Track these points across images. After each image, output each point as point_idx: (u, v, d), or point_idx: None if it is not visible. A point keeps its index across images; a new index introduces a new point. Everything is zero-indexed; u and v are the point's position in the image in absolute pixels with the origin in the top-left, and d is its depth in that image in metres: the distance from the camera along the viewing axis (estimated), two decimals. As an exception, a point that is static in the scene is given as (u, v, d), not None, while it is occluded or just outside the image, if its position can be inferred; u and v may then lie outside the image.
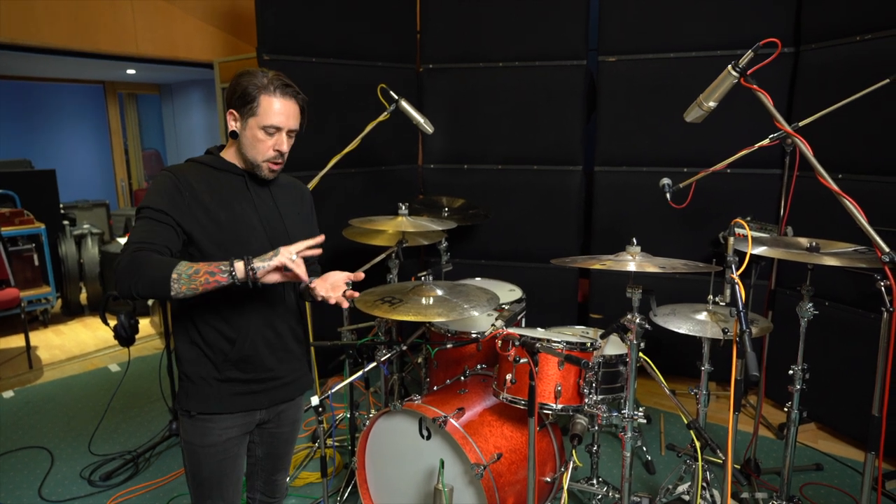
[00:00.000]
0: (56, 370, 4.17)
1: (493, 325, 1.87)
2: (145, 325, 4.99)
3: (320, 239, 1.44)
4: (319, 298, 1.56)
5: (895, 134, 2.72)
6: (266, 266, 1.35)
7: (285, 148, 1.54)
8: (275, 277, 1.38)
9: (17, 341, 4.67)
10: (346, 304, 1.55)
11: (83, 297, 5.44)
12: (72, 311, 5.37)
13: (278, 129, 1.51)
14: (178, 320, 1.56)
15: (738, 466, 2.76)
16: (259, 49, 3.34)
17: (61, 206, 5.66)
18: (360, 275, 1.59)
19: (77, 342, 4.75)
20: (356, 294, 1.59)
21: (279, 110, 1.49)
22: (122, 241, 5.56)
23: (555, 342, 2.05)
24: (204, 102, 6.38)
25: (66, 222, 5.42)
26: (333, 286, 1.56)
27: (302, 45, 3.45)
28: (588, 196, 3.84)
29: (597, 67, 3.62)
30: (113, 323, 2.92)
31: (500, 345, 1.99)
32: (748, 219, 3.40)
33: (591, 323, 3.73)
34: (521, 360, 1.84)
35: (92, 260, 5.29)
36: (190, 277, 1.34)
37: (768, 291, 3.01)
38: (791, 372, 2.18)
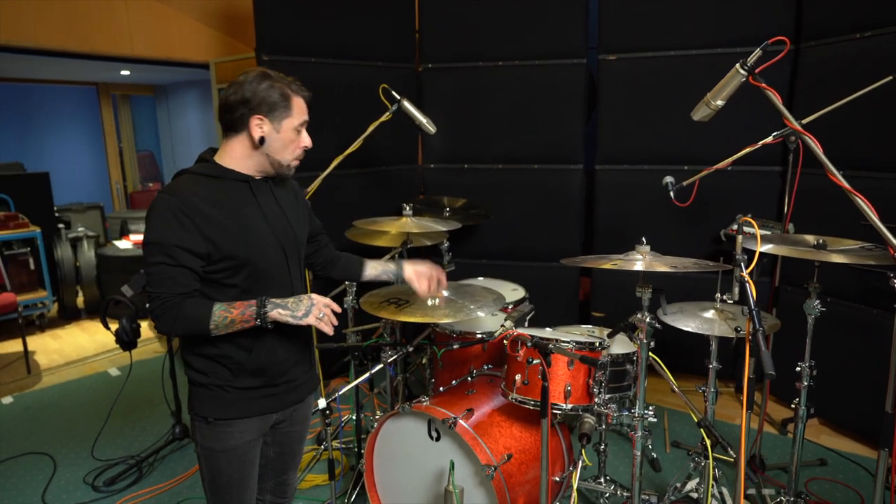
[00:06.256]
0: (55, 375, 4.13)
1: (502, 325, 1.86)
2: (144, 328, 4.95)
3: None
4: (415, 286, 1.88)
5: (896, 130, 2.73)
6: (294, 322, 1.46)
7: (310, 143, 1.59)
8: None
9: (14, 346, 4.62)
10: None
11: (80, 300, 5.40)
12: (69, 316, 5.32)
13: (305, 125, 1.57)
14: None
15: (743, 463, 2.78)
16: (258, 50, 3.32)
17: (55, 209, 5.61)
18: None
19: (75, 346, 4.71)
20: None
21: (304, 108, 1.56)
22: (119, 244, 5.51)
23: (564, 342, 2.04)
24: (199, 103, 6.33)
25: (61, 225, 5.37)
26: (432, 281, 1.87)
27: (301, 45, 3.42)
28: (589, 195, 3.84)
29: (597, 66, 3.62)
30: (114, 327, 2.90)
31: (509, 346, 1.98)
32: (749, 216, 3.41)
33: (593, 321, 3.74)
34: (535, 361, 1.84)
35: (88, 263, 5.24)
36: (227, 327, 1.45)
37: (772, 288, 3.02)
38: (798, 369, 2.18)
